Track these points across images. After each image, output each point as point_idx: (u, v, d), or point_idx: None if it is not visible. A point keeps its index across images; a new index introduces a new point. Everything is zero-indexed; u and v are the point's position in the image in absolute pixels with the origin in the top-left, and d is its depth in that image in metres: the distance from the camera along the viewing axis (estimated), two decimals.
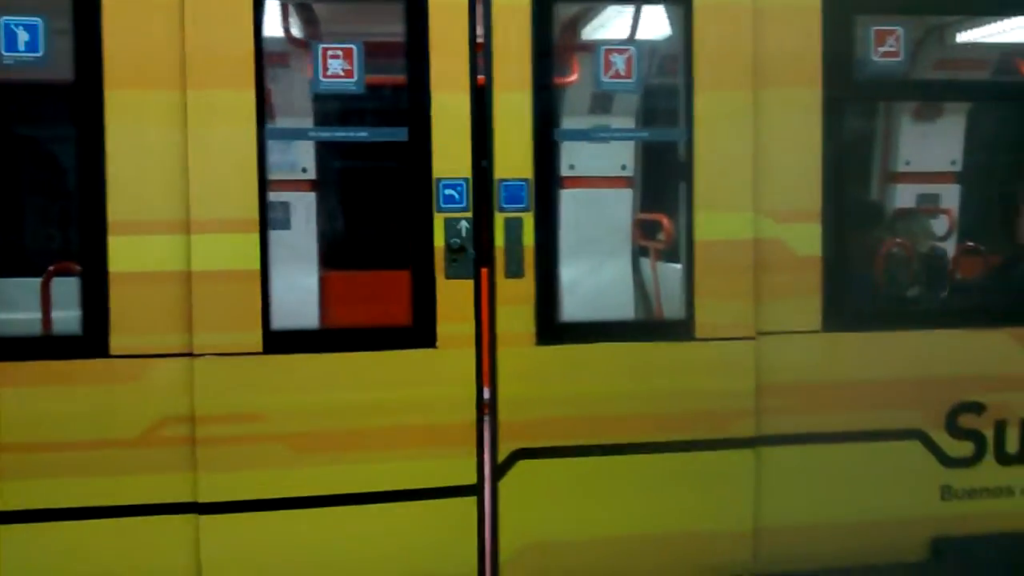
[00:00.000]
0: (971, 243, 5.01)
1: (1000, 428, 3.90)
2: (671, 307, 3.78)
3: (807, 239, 3.72)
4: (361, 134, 3.69)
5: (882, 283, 4.55)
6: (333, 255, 4.92)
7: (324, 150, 4.84)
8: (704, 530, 3.71)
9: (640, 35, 3.71)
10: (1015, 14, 4.26)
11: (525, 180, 3.51)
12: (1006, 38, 4.82)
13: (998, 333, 3.89)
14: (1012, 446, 3.91)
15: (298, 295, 3.72)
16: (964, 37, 4.81)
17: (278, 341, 3.38)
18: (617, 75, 3.63)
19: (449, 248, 3.44)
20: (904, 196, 5.34)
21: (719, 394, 3.69)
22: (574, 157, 4.17)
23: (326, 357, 3.43)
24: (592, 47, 3.72)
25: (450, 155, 3.44)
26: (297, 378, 3.39)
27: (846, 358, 3.80)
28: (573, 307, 3.62)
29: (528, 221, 3.51)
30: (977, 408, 3.87)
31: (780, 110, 3.67)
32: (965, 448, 3.88)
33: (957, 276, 4.84)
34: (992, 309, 4.14)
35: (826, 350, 3.77)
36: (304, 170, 4.79)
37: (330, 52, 3.39)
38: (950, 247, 5.06)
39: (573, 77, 4.76)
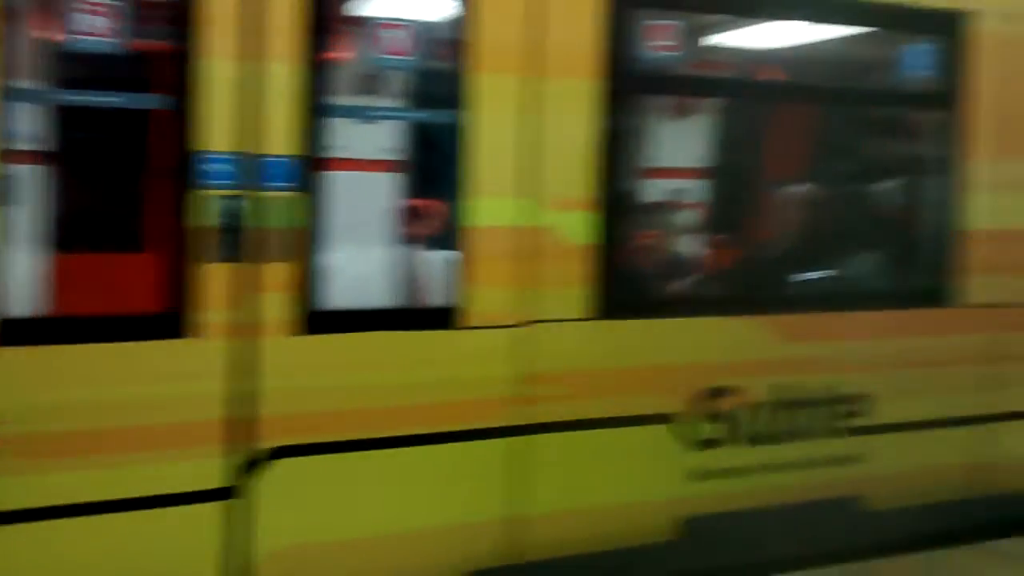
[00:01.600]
0: (722, 236, 5.32)
1: (746, 410, 4.17)
2: (439, 295, 3.70)
3: (579, 227, 3.78)
4: (114, 100, 3.32)
5: (648, 273, 4.72)
6: (71, 235, 4.42)
7: (68, 117, 4.33)
8: (460, 522, 3.68)
9: (416, 14, 3.60)
10: (775, 17, 4.51)
11: (290, 158, 3.31)
12: (765, 41, 5.15)
13: (750, 320, 4.16)
14: (754, 428, 4.20)
15: (28, 280, 3.28)
16: (727, 37, 5.08)
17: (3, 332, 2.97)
18: (390, 52, 3.52)
19: (205, 229, 3.18)
20: (659, 190, 5.60)
21: (483, 383, 3.68)
22: (342, 137, 4.01)
23: (58, 349, 3.06)
24: (366, 22, 3.57)
25: (213, 127, 3.18)
26: (25, 373, 3.00)
27: (613, 346, 3.91)
28: (338, 295, 3.45)
29: (292, 202, 3.31)
30: (726, 392, 4.12)
31: (556, 100, 3.71)
32: (713, 431, 4.11)
33: (711, 267, 5.14)
34: (745, 298, 4.43)
35: (595, 338, 3.86)
36: (40, 139, 4.27)
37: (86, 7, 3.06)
38: (703, 240, 5.36)
39: (344, 53, 4.57)
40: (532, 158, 3.67)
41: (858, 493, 4.35)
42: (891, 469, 4.43)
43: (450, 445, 3.62)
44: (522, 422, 3.71)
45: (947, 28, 4.46)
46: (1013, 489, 4.67)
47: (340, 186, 3.51)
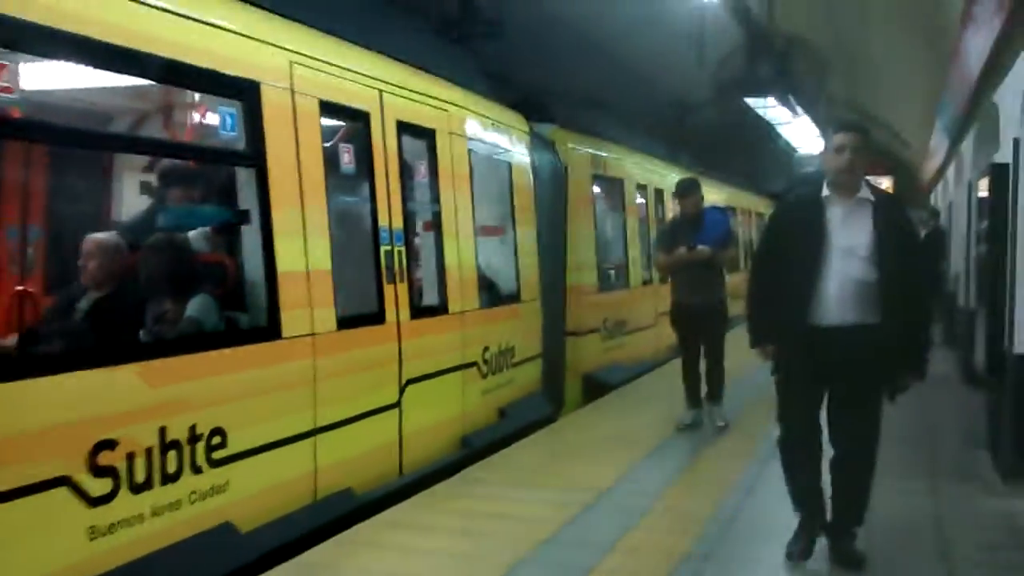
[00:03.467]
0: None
1: (132, 459, 4.12)
2: None
3: None
4: None
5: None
6: None
7: None
8: None
9: None
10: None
11: None
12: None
13: (123, 370, 4.12)
14: (140, 475, 4.17)
15: None
16: None
17: None
18: None
19: None
20: None
21: None
22: None
23: None
24: None
25: None
26: None
27: None
28: None
29: None
30: (113, 444, 4.01)
31: None
32: (105, 485, 3.99)
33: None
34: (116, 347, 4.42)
35: None
36: None
37: None
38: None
39: None
40: None
41: (229, 519, 4.64)
42: (252, 491, 4.83)
43: None
44: None
45: (245, 95, 5.01)
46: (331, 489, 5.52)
47: None
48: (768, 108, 15.77)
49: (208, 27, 4.76)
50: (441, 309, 6.94)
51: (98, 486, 3.95)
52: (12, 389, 3.63)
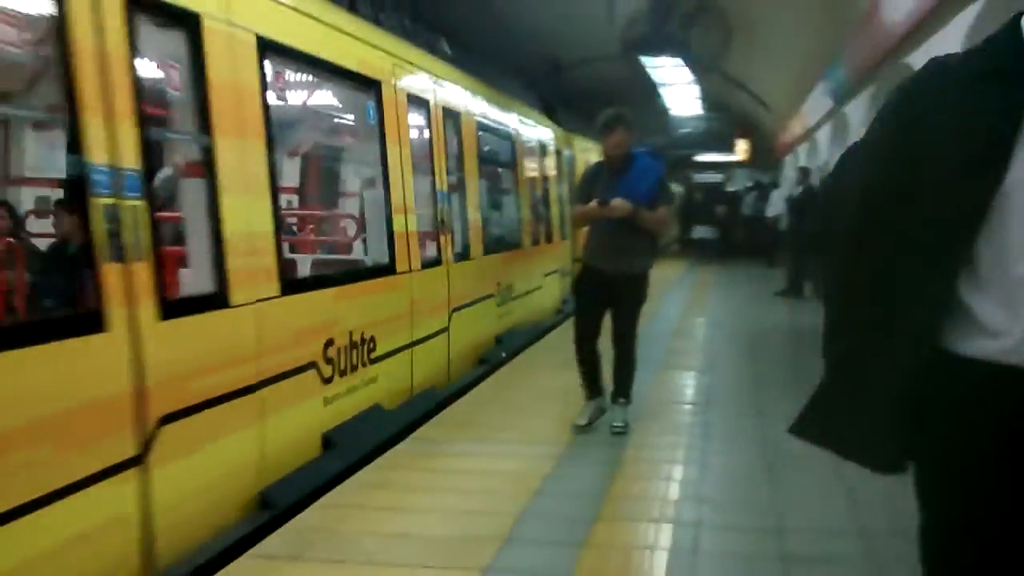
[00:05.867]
0: None
1: (339, 353, 5.85)
2: None
3: None
4: None
5: None
6: None
7: None
8: None
9: None
10: None
11: None
12: None
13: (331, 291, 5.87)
14: (343, 365, 5.91)
15: None
16: None
17: None
18: None
19: None
20: None
21: None
22: None
23: None
24: None
25: None
26: None
27: None
28: None
29: None
30: (332, 342, 5.72)
31: None
32: (329, 370, 5.67)
33: None
34: None
35: None
36: None
37: None
38: None
39: None
40: None
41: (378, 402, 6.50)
42: (386, 384, 6.74)
43: None
44: None
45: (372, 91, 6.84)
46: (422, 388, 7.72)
47: None
48: (657, 68, 16.01)
49: (362, 43, 6.67)
50: (466, 255, 8.62)
51: (327, 370, 5.66)
52: (294, 300, 5.29)
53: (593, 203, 6.03)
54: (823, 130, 17.21)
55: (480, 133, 9.47)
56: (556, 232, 13.34)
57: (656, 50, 13.85)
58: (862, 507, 4.73)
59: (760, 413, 6.86)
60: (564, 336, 7.91)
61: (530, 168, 12.01)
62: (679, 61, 14.74)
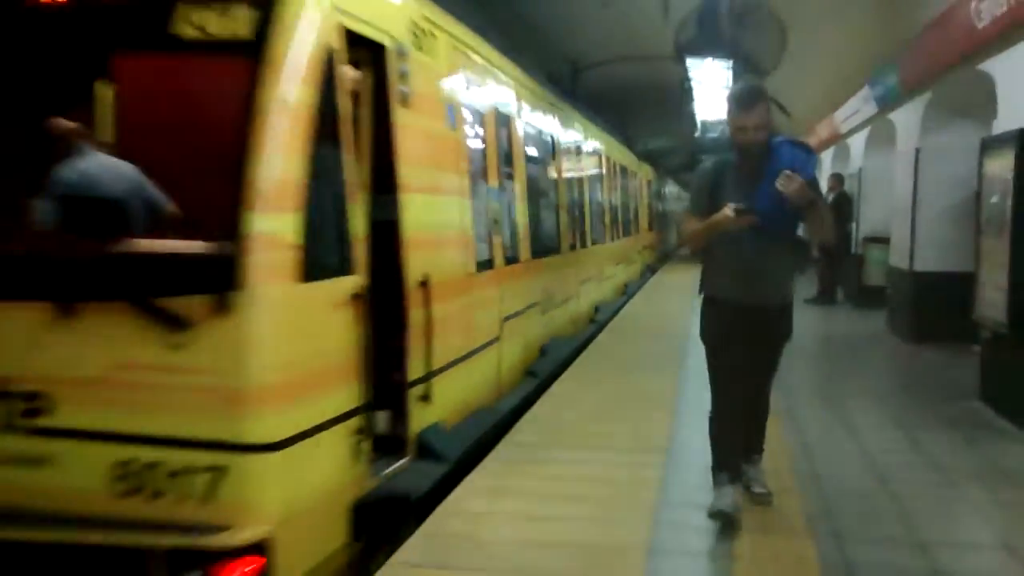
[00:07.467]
0: None
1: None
2: None
3: None
4: None
5: None
6: None
7: None
8: None
9: None
10: None
11: None
12: None
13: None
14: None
15: None
16: None
17: None
18: None
19: None
20: None
21: None
22: None
23: None
24: None
25: None
26: None
27: None
28: None
29: None
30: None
31: None
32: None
33: None
34: None
35: None
36: None
37: None
38: None
39: None
40: None
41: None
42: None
43: None
44: None
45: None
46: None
47: None
48: (698, 70, 15.99)
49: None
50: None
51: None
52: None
53: (725, 210, 4.43)
54: (857, 136, 17.16)
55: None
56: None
57: (708, 52, 13.82)
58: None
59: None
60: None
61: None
62: (726, 63, 14.72)
